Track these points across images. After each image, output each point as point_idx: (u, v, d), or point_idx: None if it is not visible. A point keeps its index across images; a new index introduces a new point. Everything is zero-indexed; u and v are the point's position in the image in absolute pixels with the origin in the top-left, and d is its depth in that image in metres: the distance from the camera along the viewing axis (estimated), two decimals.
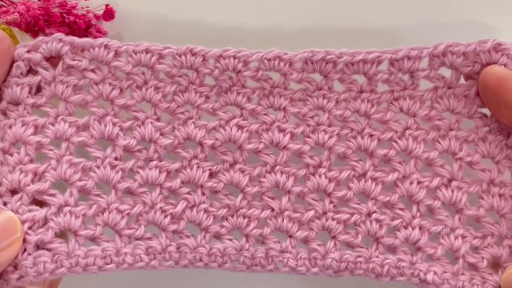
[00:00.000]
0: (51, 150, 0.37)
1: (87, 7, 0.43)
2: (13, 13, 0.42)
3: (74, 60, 0.37)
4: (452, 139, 0.37)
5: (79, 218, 0.36)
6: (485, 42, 0.37)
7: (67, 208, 0.36)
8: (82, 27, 0.43)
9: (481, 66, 0.37)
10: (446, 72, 0.38)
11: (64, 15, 0.43)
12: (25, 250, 0.35)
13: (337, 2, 0.42)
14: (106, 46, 0.37)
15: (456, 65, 0.37)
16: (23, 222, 0.35)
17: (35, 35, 0.43)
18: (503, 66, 0.37)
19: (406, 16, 0.42)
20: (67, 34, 0.42)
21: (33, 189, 0.36)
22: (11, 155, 0.36)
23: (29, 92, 0.37)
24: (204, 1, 0.43)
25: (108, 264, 0.36)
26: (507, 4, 0.43)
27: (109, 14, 0.43)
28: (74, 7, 0.43)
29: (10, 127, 0.36)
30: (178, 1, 0.43)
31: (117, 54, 0.37)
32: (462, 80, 0.38)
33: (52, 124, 0.37)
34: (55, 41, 0.36)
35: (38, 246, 0.36)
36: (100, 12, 0.43)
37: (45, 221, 0.36)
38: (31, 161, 0.36)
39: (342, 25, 0.41)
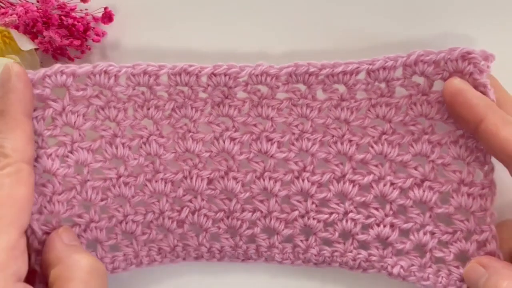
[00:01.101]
0: (74, 177, 0.41)
1: (86, 9, 0.44)
2: (11, 15, 0.42)
3: (79, 91, 0.40)
4: (425, 142, 0.40)
5: (103, 231, 0.42)
6: (454, 50, 0.38)
7: (93, 224, 0.41)
8: (80, 29, 0.43)
9: (449, 74, 0.39)
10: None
11: (63, 17, 0.43)
12: None
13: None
14: (106, 72, 0.39)
15: (427, 73, 0.39)
16: None
17: (33, 37, 0.44)
18: (468, 74, 0.38)
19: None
20: (66, 36, 0.44)
21: (66, 215, 0.41)
22: (45, 186, 0.40)
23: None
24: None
25: (130, 265, 0.42)
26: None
27: (107, 17, 0.44)
28: (72, 10, 0.44)
29: (36, 159, 0.39)
30: (177, 4, 0.45)
31: (116, 77, 0.40)
32: (436, 87, 0.40)
33: (71, 152, 0.40)
34: (58, 74, 0.38)
35: None
36: (99, 15, 0.44)
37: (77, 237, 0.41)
38: (63, 190, 0.40)
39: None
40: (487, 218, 0.40)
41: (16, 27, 0.43)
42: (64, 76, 0.39)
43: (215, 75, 0.40)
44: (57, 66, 0.38)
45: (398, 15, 0.44)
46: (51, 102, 0.39)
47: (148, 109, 0.41)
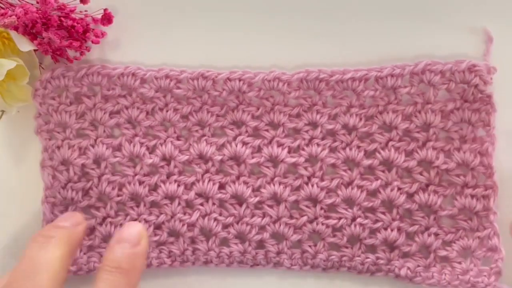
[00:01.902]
0: (93, 169, 0.43)
1: (86, 11, 0.43)
2: (10, 16, 0.41)
3: (109, 90, 0.43)
4: (429, 149, 0.41)
5: (117, 227, 0.43)
6: (461, 63, 0.40)
7: (108, 219, 0.43)
8: (79, 31, 0.42)
9: (455, 85, 0.41)
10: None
11: (62, 18, 0.42)
12: (81, 250, 0.43)
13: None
14: (133, 75, 0.42)
15: (433, 82, 0.41)
16: None
17: (32, 38, 0.43)
18: (474, 86, 0.40)
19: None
20: (65, 37, 0.43)
21: (84, 205, 0.43)
22: (61, 173, 0.43)
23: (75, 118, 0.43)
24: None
25: None
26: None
27: (107, 18, 0.43)
28: (72, 11, 0.43)
29: (58, 148, 0.43)
30: (178, 5, 0.44)
31: (143, 80, 0.42)
32: (439, 96, 0.41)
33: (93, 146, 0.43)
34: (95, 74, 0.42)
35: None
36: (98, 16, 0.43)
37: (93, 229, 0.43)
38: (79, 178, 0.43)
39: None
40: (490, 216, 0.41)
41: (16, 28, 0.42)
42: (100, 77, 0.42)
43: (230, 80, 0.41)
44: (95, 67, 0.42)
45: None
46: (85, 98, 0.42)
47: (167, 111, 0.42)
